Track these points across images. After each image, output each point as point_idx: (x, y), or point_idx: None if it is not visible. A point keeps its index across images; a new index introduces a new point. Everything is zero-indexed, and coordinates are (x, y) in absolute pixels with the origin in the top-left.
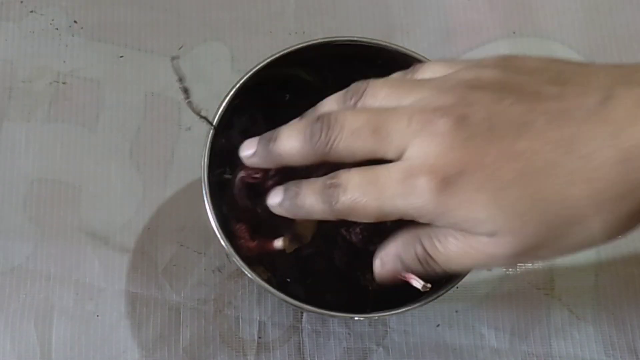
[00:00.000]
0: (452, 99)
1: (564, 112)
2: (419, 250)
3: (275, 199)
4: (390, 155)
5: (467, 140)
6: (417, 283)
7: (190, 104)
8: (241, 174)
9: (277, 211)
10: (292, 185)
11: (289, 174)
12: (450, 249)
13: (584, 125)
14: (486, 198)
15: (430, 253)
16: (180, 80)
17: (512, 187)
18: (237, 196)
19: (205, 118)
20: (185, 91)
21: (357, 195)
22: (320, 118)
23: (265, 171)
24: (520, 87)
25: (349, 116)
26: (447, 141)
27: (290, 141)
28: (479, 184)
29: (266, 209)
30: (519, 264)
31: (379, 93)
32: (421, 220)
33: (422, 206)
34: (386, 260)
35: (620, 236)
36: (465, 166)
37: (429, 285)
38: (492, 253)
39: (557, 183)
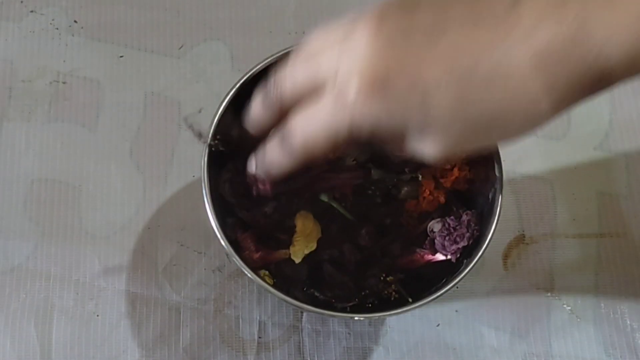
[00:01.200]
0: (366, 21)
1: (476, 16)
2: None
3: (251, 166)
4: (325, 80)
5: (386, 48)
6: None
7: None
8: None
9: (258, 174)
10: (259, 149)
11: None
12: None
13: (496, 29)
14: (414, 101)
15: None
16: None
17: (436, 90)
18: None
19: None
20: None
21: (306, 132)
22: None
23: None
24: (429, 1)
25: (287, 66)
26: (368, 50)
27: (254, 108)
28: (405, 89)
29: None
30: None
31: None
32: (365, 132)
33: (358, 114)
34: None
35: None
36: (389, 71)
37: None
38: (423, 151)
39: (477, 85)
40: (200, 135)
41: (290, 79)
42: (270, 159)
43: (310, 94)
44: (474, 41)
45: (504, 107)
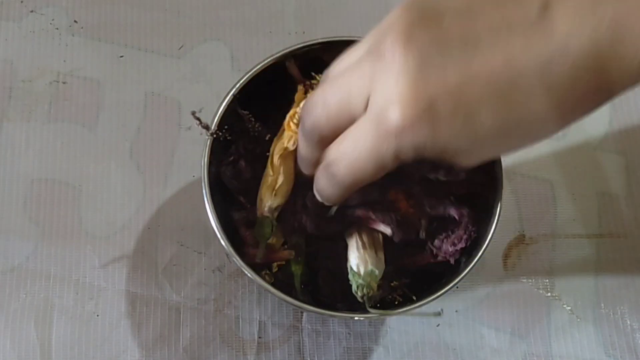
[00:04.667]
0: (391, 36)
1: (508, 22)
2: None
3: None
4: (360, 103)
5: (422, 68)
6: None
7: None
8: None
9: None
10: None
11: None
12: None
13: (532, 36)
14: (460, 122)
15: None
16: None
17: (481, 107)
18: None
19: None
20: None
21: (350, 162)
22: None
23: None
24: (453, 7)
25: (317, 93)
26: (404, 71)
27: (300, 146)
28: (450, 111)
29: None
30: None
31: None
32: (410, 156)
33: (402, 140)
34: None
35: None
36: (431, 93)
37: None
38: (459, 163)
39: (518, 98)
40: (207, 128)
41: (321, 107)
42: (319, 188)
43: (346, 120)
44: (511, 51)
45: (532, 118)
